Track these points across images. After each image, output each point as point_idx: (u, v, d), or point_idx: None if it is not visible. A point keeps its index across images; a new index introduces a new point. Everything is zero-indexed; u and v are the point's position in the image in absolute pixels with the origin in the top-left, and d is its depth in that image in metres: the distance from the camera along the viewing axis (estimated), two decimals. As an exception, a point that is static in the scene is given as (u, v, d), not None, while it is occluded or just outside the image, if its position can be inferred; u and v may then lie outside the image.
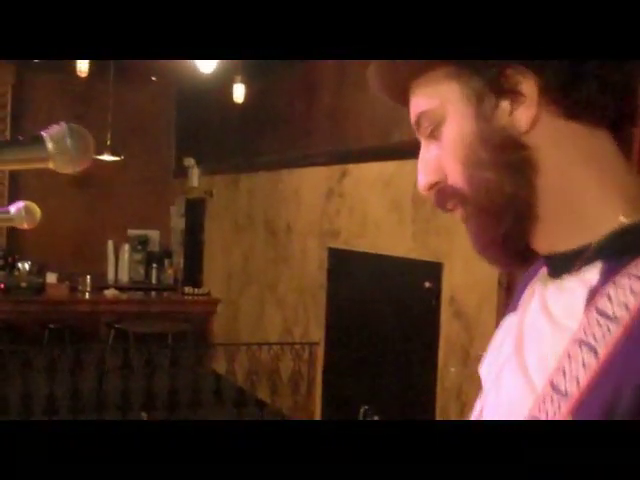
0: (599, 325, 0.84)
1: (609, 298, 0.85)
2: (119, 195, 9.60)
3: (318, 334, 6.29)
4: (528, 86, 0.90)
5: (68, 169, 0.98)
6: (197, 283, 8.92)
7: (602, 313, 0.85)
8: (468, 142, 0.93)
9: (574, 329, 0.86)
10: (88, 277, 8.17)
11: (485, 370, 1.08)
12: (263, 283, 7.42)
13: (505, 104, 0.91)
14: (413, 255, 5.11)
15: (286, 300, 6.93)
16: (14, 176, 9.26)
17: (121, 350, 6.46)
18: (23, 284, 7.79)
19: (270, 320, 7.21)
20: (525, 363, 0.92)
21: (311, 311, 6.44)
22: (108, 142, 7.94)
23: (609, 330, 0.83)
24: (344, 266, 5.94)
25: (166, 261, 9.76)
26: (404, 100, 1.01)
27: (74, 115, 9.32)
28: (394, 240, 5.30)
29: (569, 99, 0.90)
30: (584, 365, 0.83)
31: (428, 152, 0.98)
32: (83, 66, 6.45)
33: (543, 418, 0.85)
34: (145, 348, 6.40)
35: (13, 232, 9.14)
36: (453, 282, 4.73)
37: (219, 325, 8.16)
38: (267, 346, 6.56)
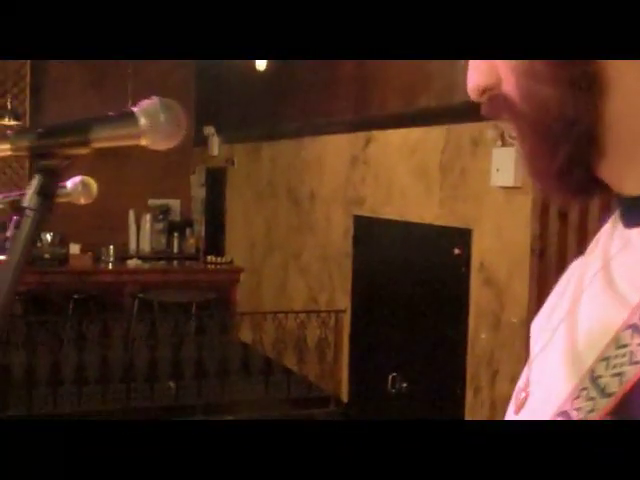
0: None
1: None
2: (139, 165, 9.57)
3: (344, 302, 6.28)
4: None
5: (161, 145, 0.95)
6: (219, 252, 8.92)
7: None
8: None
9: (634, 304, 0.70)
10: (111, 247, 8.18)
11: (537, 328, 0.90)
12: (287, 251, 7.41)
13: None
14: (441, 222, 5.08)
15: (311, 268, 6.91)
16: (34, 147, 9.24)
17: (147, 320, 6.47)
18: (46, 255, 7.80)
19: (294, 288, 7.21)
20: (576, 331, 0.76)
21: (336, 279, 6.43)
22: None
23: None
24: (370, 234, 5.91)
25: (187, 230, 9.75)
26: None
27: (93, 85, 9.30)
28: (421, 207, 5.27)
29: None
30: (632, 362, 0.68)
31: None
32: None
33: (574, 418, 0.72)
34: (171, 317, 6.41)
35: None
36: (483, 248, 4.69)
37: (242, 293, 8.16)
38: (293, 314, 6.56)
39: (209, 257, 8.61)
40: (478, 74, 0.82)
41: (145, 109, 0.93)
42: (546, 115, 0.77)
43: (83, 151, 0.92)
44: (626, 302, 0.71)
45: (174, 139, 0.96)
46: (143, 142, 0.93)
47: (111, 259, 8.16)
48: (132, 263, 8.24)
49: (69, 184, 1.61)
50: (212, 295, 7.51)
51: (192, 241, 9.69)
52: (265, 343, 6.58)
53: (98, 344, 5.89)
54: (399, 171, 5.53)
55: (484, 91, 0.82)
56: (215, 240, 9.33)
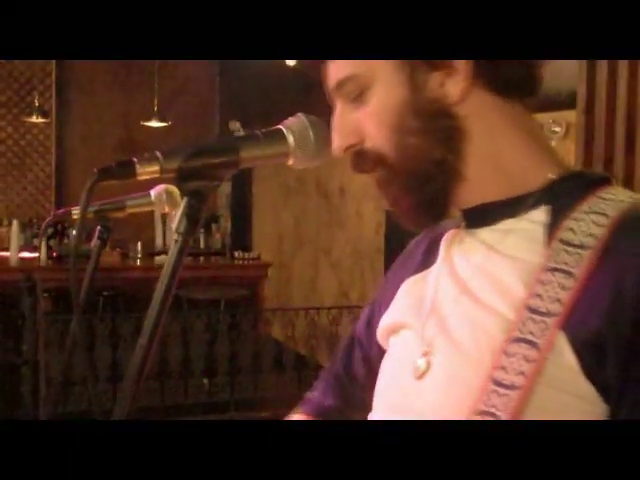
0: (568, 253, 0.91)
1: (572, 231, 0.93)
2: (164, 160, 9.56)
3: (376, 298, 6.24)
4: (461, 62, 0.97)
5: (307, 163, 0.93)
6: (246, 247, 8.90)
7: (568, 243, 0.92)
8: (398, 110, 0.97)
9: (534, 261, 0.93)
10: (139, 243, 8.17)
11: (410, 329, 1.08)
12: (316, 246, 7.38)
13: (437, 76, 0.98)
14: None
15: (341, 264, 6.89)
16: (60, 143, 9.26)
17: (177, 316, 6.46)
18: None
19: (325, 284, 7.18)
20: (482, 300, 0.96)
21: (368, 275, 6.40)
22: (155, 108, 7.90)
23: (580, 255, 0.90)
24: (403, 230, 5.87)
25: (213, 225, 9.73)
26: (316, 64, 1.04)
27: (118, 82, 9.30)
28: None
29: (494, 75, 0.98)
30: (563, 287, 0.90)
31: (346, 115, 1.02)
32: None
33: (529, 338, 0.89)
34: (201, 314, 6.40)
35: (61, 202, 9.17)
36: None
37: (271, 289, 8.14)
38: (325, 310, 6.53)
39: (236, 252, 8.59)
40: (344, 136, 1.01)
41: (293, 128, 0.91)
42: (417, 160, 0.98)
43: (231, 172, 0.90)
44: (526, 260, 0.95)
45: (321, 158, 0.95)
46: (290, 161, 0.91)
47: (139, 255, 8.16)
48: (160, 259, 8.24)
49: (153, 193, 1.59)
50: (241, 291, 7.48)
51: (218, 236, 9.67)
52: (297, 339, 6.56)
53: (130, 341, 5.89)
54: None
55: (347, 149, 1.01)
56: (241, 235, 9.31)
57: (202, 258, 8.86)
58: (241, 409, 5.81)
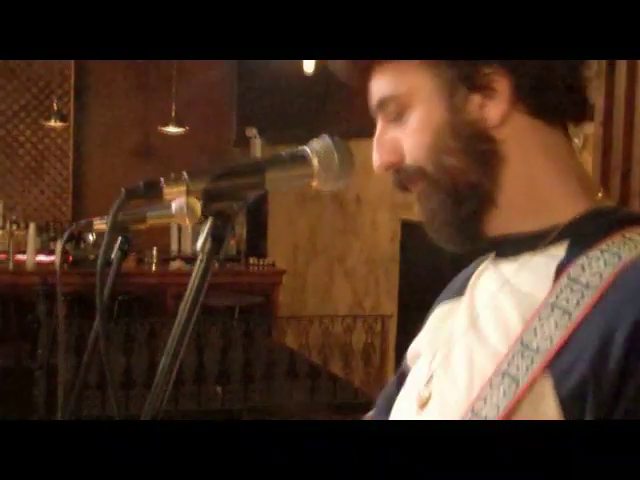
0: (572, 291, 0.90)
1: (582, 268, 0.91)
2: (181, 165, 9.48)
3: (390, 307, 6.24)
4: (501, 84, 0.96)
5: (330, 186, 0.93)
6: (261, 254, 8.90)
7: (575, 280, 0.90)
8: (437, 130, 0.97)
9: (539, 296, 0.92)
10: (154, 249, 8.19)
11: (423, 358, 1.11)
12: (331, 255, 7.38)
13: (477, 98, 0.97)
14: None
15: (356, 272, 6.88)
16: (78, 147, 9.31)
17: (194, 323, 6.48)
18: (91, 256, 7.82)
19: (339, 292, 7.17)
20: (484, 335, 0.96)
21: (382, 284, 6.39)
22: (173, 114, 7.93)
23: (583, 295, 0.88)
24: (418, 239, 5.85)
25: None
26: (362, 81, 1.04)
27: (136, 87, 9.33)
28: (471, 212, 5.20)
29: (537, 99, 0.97)
30: (558, 326, 0.88)
31: (387, 133, 1.02)
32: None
33: (513, 373, 0.88)
34: (215, 321, 6.41)
35: (78, 205, 9.22)
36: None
37: (285, 296, 8.14)
38: (339, 318, 6.53)
39: (251, 259, 8.59)
40: (385, 154, 1.01)
41: (318, 150, 0.91)
42: (454, 180, 0.98)
43: (256, 193, 0.89)
44: (535, 296, 0.93)
45: (344, 180, 0.94)
46: (314, 183, 0.91)
47: (154, 261, 8.17)
48: (175, 265, 8.26)
49: (174, 205, 1.58)
50: (255, 299, 7.49)
51: (233, 242, 9.67)
52: (310, 347, 6.55)
53: (144, 347, 5.90)
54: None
55: (388, 167, 1.01)
56: (256, 242, 9.31)
57: (217, 264, 8.86)
58: (254, 417, 5.81)
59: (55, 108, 8.39)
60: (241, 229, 9.81)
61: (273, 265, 8.50)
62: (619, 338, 0.83)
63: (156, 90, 9.17)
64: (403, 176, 1.01)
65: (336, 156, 0.92)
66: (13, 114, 9.07)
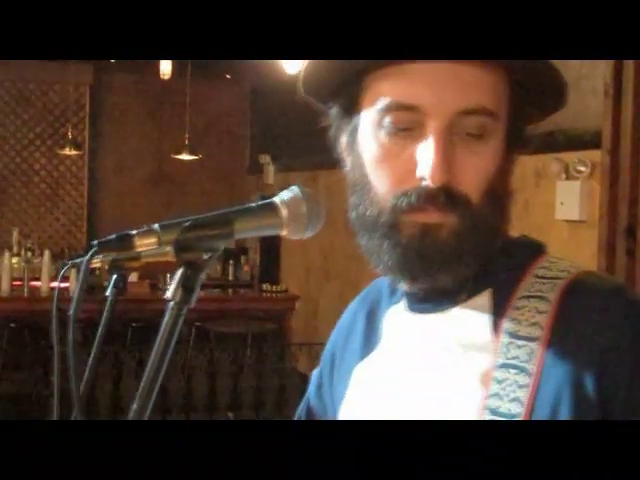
0: (517, 347, 0.89)
1: (516, 321, 0.90)
2: (194, 192, 9.65)
3: (402, 333, 6.23)
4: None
5: (299, 235, 0.94)
6: (274, 280, 8.92)
7: (515, 336, 0.90)
8: (499, 170, 0.94)
9: (487, 357, 0.91)
10: (168, 275, 8.22)
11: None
12: (344, 280, 7.39)
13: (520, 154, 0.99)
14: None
15: (368, 298, 6.88)
16: (92, 174, 9.38)
17: (204, 349, 6.50)
18: (105, 283, 7.84)
19: (351, 318, 7.17)
20: (439, 405, 0.94)
21: (394, 310, 6.39)
22: (186, 141, 7.99)
23: (530, 349, 0.88)
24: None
25: (242, 258, 9.78)
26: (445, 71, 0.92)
27: (150, 115, 9.41)
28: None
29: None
30: (520, 385, 0.87)
31: (450, 147, 0.91)
32: (166, 68, 6.49)
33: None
34: (228, 347, 6.43)
35: (92, 232, 9.28)
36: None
37: (298, 322, 8.15)
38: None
39: (264, 285, 8.61)
40: (446, 169, 0.91)
41: (287, 201, 0.92)
42: (488, 224, 0.95)
43: (225, 243, 0.91)
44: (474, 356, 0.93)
45: (313, 230, 0.95)
46: (283, 232, 0.92)
47: (168, 287, 8.18)
48: (188, 291, 8.27)
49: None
50: (269, 326, 7.50)
51: (247, 268, 9.71)
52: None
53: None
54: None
55: (445, 184, 0.92)
56: (269, 268, 9.34)
57: (230, 290, 8.89)
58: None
59: (70, 136, 8.47)
60: (254, 255, 9.85)
61: (286, 291, 8.51)
62: (589, 383, 0.85)
63: (170, 118, 9.26)
64: (444, 198, 0.92)
65: (304, 207, 0.93)
66: (29, 142, 9.19)
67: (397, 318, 1.05)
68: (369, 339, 1.09)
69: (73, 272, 7.54)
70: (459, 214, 0.92)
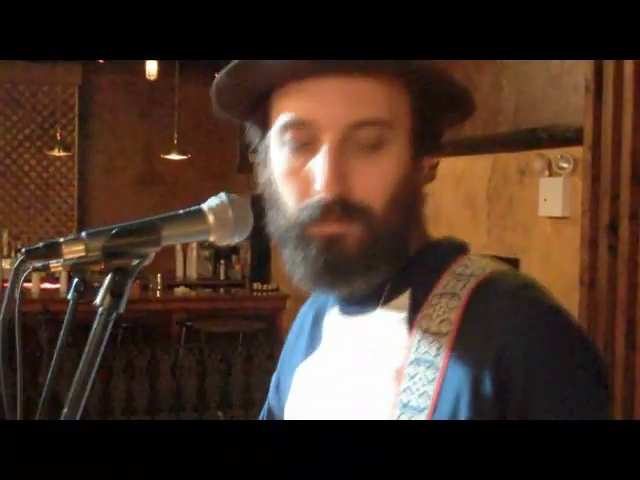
0: (428, 342, 0.92)
1: (429, 317, 0.94)
2: (185, 191, 9.64)
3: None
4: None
5: (227, 241, 0.95)
6: (265, 279, 8.94)
7: (427, 331, 0.93)
8: (401, 180, 0.95)
9: (401, 353, 0.94)
10: (159, 275, 8.23)
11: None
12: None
13: (428, 161, 1.00)
14: (488, 251, 5.03)
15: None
16: (82, 175, 9.38)
17: (195, 349, 6.51)
18: (95, 284, 7.84)
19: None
20: (358, 404, 0.97)
21: (383, 307, 6.40)
22: (175, 141, 7.99)
23: (439, 343, 0.91)
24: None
25: (233, 257, 9.79)
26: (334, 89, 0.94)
27: (140, 115, 9.41)
28: (468, 236, 5.16)
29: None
30: (428, 380, 0.90)
31: (342, 158, 0.94)
32: (152, 69, 6.49)
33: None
34: (218, 347, 6.44)
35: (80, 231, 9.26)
36: (531, 278, 4.63)
37: (289, 321, 8.14)
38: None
39: (255, 284, 8.63)
40: (340, 183, 0.94)
41: (213, 207, 0.93)
42: (394, 232, 0.97)
43: (154, 249, 0.92)
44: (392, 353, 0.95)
45: (241, 234, 0.96)
46: (211, 238, 0.93)
47: (159, 287, 8.21)
48: (179, 291, 8.29)
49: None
50: (259, 325, 7.51)
51: (238, 267, 9.72)
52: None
53: (146, 373, 5.93)
54: (446, 200, 5.51)
55: (338, 195, 0.94)
56: (260, 267, 9.35)
57: (222, 289, 8.90)
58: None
59: (59, 137, 8.47)
60: (245, 254, 9.86)
61: (277, 290, 8.53)
62: (487, 380, 0.87)
63: (159, 118, 9.25)
64: (341, 209, 0.94)
65: (231, 213, 0.94)
66: (18, 143, 9.18)
67: (333, 320, 1.09)
68: (312, 340, 1.13)
69: (63, 274, 7.54)
70: (360, 224, 0.94)
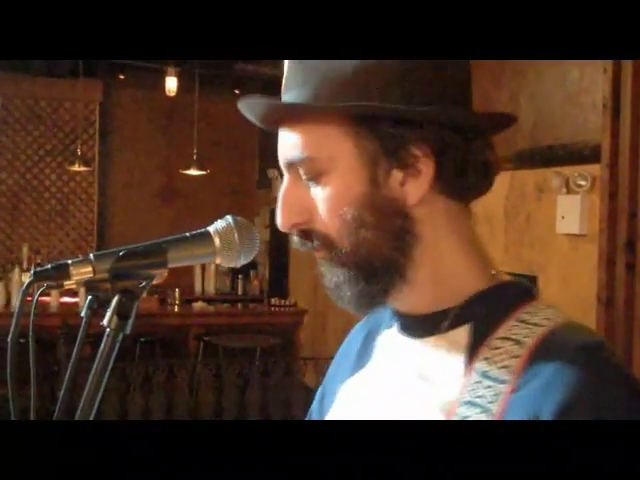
0: (484, 386, 0.90)
1: (488, 361, 0.92)
2: (204, 207, 9.67)
3: (408, 347, 6.23)
4: (427, 166, 0.95)
5: (232, 263, 0.96)
6: (283, 294, 8.94)
7: (484, 375, 0.91)
8: (355, 202, 0.94)
9: (455, 390, 0.92)
10: (177, 290, 8.25)
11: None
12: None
13: (399, 175, 0.95)
14: (506, 268, 4.98)
15: (375, 312, 6.89)
16: (102, 190, 9.44)
17: (212, 364, 6.52)
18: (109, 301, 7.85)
19: (358, 332, 7.18)
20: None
21: (400, 324, 6.39)
22: (194, 157, 8.03)
23: (496, 390, 0.89)
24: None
25: (252, 272, 9.79)
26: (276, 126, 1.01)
27: (160, 130, 9.47)
28: (485, 253, 5.21)
29: (458, 183, 0.97)
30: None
31: (296, 192, 0.98)
32: (172, 85, 6.54)
33: None
34: (236, 362, 6.44)
35: (103, 247, 9.31)
36: (548, 296, 4.61)
37: (306, 336, 8.16)
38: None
39: (273, 299, 8.62)
40: (293, 213, 0.97)
41: (219, 230, 0.94)
42: (366, 255, 0.95)
43: (160, 271, 0.93)
44: (445, 387, 0.94)
45: (247, 257, 0.97)
46: (217, 260, 0.95)
47: (177, 302, 8.23)
48: (197, 306, 8.30)
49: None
50: (277, 340, 7.51)
51: (256, 283, 9.72)
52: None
53: (164, 388, 5.95)
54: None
55: (294, 226, 0.98)
56: (279, 282, 9.36)
57: (240, 304, 8.90)
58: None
59: (79, 153, 8.53)
60: (264, 270, 9.87)
61: (295, 305, 8.53)
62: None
63: (179, 133, 9.31)
64: (307, 238, 0.99)
65: (236, 236, 0.96)
66: (39, 158, 9.25)
67: (388, 339, 1.08)
68: (361, 357, 1.12)
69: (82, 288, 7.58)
70: (324, 249, 0.98)
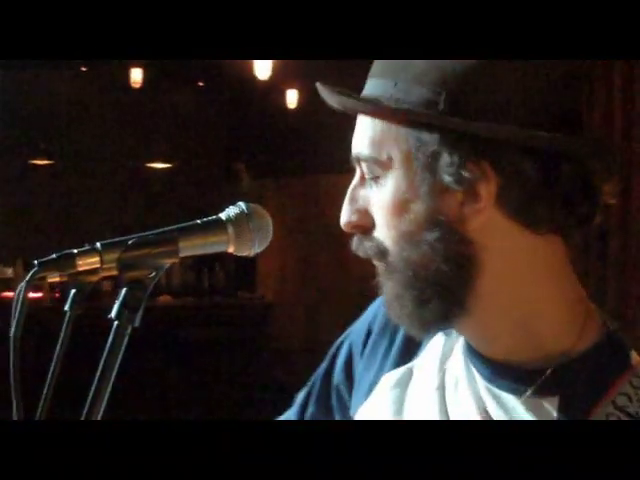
0: None
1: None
2: (169, 200, 9.58)
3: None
4: (486, 188, 0.85)
5: (246, 252, 0.92)
6: (250, 287, 8.88)
7: None
8: (409, 212, 0.87)
9: None
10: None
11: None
12: (320, 286, 7.38)
13: (459, 194, 0.85)
14: None
15: (346, 304, 6.87)
16: (66, 183, 9.32)
17: (180, 358, 6.48)
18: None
19: (329, 324, 7.16)
20: None
21: (371, 316, 6.38)
22: (161, 150, 7.97)
23: None
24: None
25: (217, 265, 9.71)
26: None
27: (125, 123, 9.36)
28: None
29: (527, 213, 0.85)
30: None
31: (362, 188, 0.93)
32: (137, 76, 6.46)
33: None
34: (205, 355, 6.41)
35: (68, 242, 9.19)
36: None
37: (274, 329, 8.12)
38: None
39: (240, 292, 8.56)
40: (354, 213, 0.92)
41: (232, 217, 0.90)
42: (416, 274, 0.87)
43: (171, 261, 0.89)
44: None
45: (261, 245, 0.93)
46: (230, 249, 0.91)
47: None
48: (163, 299, 8.21)
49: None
50: (244, 332, 7.48)
51: (222, 275, 9.64)
52: (295, 380, 6.51)
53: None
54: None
55: (355, 228, 0.92)
56: (246, 275, 9.28)
57: (206, 298, 8.82)
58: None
59: (42, 147, 8.39)
60: (230, 262, 9.78)
61: (262, 298, 8.48)
62: None
63: (145, 126, 9.19)
64: (366, 246, 0.92)
65: (250, 224, 0.92)
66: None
67: (450, 352, 0.98)
68: (407, 349, 1.03)
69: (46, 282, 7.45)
70: (375, 257, 0.92)
